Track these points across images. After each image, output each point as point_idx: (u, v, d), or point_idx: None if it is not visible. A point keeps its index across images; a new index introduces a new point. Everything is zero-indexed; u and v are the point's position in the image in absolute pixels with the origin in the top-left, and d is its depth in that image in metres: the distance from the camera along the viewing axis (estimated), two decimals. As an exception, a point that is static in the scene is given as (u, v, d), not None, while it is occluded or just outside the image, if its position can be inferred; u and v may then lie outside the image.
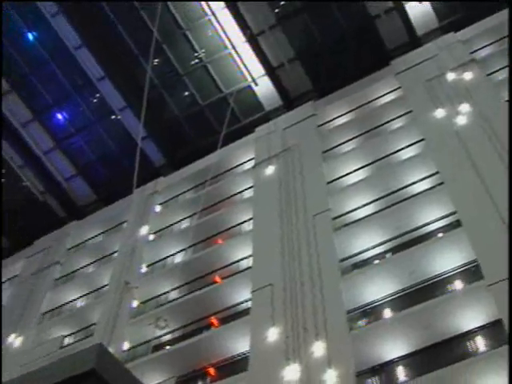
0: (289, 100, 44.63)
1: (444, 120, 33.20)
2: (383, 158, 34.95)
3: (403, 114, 36.83)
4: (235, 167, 43.22)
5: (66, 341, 38.47)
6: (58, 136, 49.71)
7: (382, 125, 37.35)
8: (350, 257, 30.60)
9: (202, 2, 42.39)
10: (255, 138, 42.92)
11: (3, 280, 48.76)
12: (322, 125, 40.37)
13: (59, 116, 49.59)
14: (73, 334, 39.18)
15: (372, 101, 39.83)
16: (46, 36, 46.26)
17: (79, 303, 41.88)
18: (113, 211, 47.39)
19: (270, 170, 38.69)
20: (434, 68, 37.15)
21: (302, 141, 39.12)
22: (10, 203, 53.12)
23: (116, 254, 42.87)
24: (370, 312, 28.08)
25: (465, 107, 32.67)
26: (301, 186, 35.32)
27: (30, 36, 46.65)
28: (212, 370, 30.44)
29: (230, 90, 45.04)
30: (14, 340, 39.87)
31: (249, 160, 42.46)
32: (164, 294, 36.52)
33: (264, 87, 44.61)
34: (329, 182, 35.05)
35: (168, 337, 34.11)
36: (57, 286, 43.79)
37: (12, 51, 46.56)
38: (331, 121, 40.54)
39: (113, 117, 48.41)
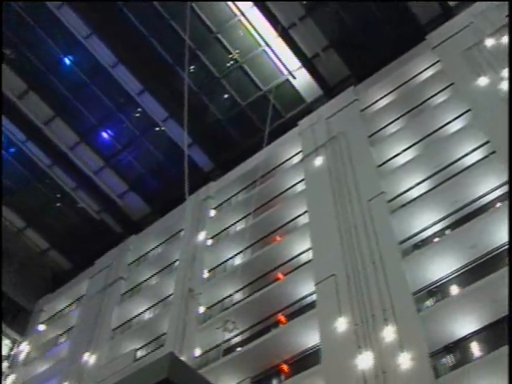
0: (328, 89, 44.35)
1: (488, 87, 32.51)
2: (431, 134, 34.42)
3: (445, 88, 36.17)
4: (283, 163, 43.12)
5: (139, 353, 39.01)
6: (105, 154, 50.40)
7: (426, 101, 36.78)
8: (410, 238, 30.30)
9: (230, 3, 42.40)
10: (300, 131, 42.78)
11: (71, 301, 49.85)
12: (365, 109, 39.98)
13: (104, 135, 50.24)
14: (144, 346, 39.71)
15: (412, 78, 39.21)
16: (81, 58, 46.90)
17: (147, 315, 42.39)
18: (168, 221, 47.85)
19: (318, 161, 38.53)
20: (471, 36, 36.38)
21: (346, 128, 38.85)
22: (68, 226, 54.23)
23: (177, 263, 43.30)
24: (436, 291, 27.74)
25: (508, 72, 31.88)
26: (351, 173, 35.09)
27: (67, 60, 47.36)
28: (285, 367, 30.46)
29: (268, 87, 45.00)
30: (89, 358, 40.63)
31: (296, 154, 42.33)
32: (228, 296, 36.75)
33: (302, 79, 44.44)
34: (379, 166, 34.72)
35: (237, 339, 34.29)
36: (123, 300, 44.42)
37: (51, 77, 47.39)
38: (373, 104, 40.11)
39: (157, 128, 48.84)
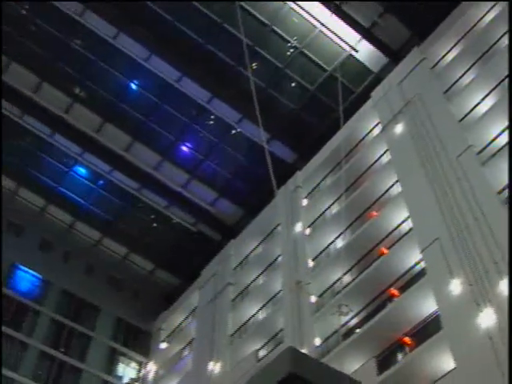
0: (393, 54, 43.44)
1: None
2: (507, 76, 33.08)
3: (513, 25, 34.76)
4: (364, 137, 42.52)
5: (261, 353, 39.31)
6: (189, 167, 51.10)
7: (495, 44, 35.37)
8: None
9: (277, -7, 42.23)
10: (374, 102, 42.09)
11: (186, 315, 50.80)
12: (435, 66, 38.86)
13: (184, 148, 50.95)
14: (264, 345, 40.02)
15: (476, 23, 37.79)
16: (146, 80, 47.78)
17: (261, 315, 42.69)
18: (263, 219, 48.04)
19: (398, 128, 37.82)
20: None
21: (420, 89, 37.91)
22: (169, 243, 55.32)
23: (280, 258, 43.43)
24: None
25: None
26: (434, 133, 34.24)
27: (133, 85, 48.38)
28: (407, 340, 30.02)
29: (333, 66, 44.56)
30: (214, 366, 41.29)
31: (375, 126, 41.68)
32: (337, 281, 36.57)
33: (365, 51, 43.79)
34: (461, 120, 33.72)
35: (354, 321, 34.06)
36: (235, 305, 44.91)
37: (122, 105, 48.50)
38: (442, 59, 38.92)
39: (233, 131, 49.10)
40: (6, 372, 44.05)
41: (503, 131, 31.07)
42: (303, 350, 31.52)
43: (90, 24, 44.86)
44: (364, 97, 43.66)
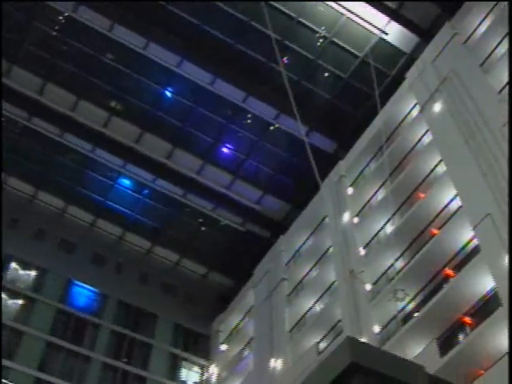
0: (424, 33, 42.82)
1: None
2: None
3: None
4: (404, 120, 42.04)
5: (321, 346, 39.22)
6: (231, 168, 51.28)
7: (528, 10, 34.65)
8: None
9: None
10: (409, 83, 41.55)
11: (243, 315, 50.96)
12: (467, 40, 38.12)
13: (225, 150, 51.14)
14: (324, 337, 39.92)
15: (507, -9, 37.08)
16: (180, 86, 48.10)
17: (318, 307, 42.59)
18: (310, 212, 47.91)
19: (437, 107, 37.31)
20: None
21: (455, 65, 37.33)
22: (219, 245, 55.61)
23: (331, 250, 43.26)
24: None
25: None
26: (474, 108, 33.69)
27: (168, 93, 48.69)
28: (467, 319, 29.61)
29: (364, 52, 44.17)
30: (275, 363, 41.34)
31: (413, 107, 41.18)
32: (390, 267, 36.29)
33: (395, 33, 43.31)
34: (500, 91, 33.06)
35: (411, 305, 33.72)
36: (291, 300, 44.89)
37: (159, 113, 48.90)
38: (474, 32, 38.21)
39: (271, 128, 49.10)
40: (72, 387, 45.08)
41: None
42: (363, 339, 31.39)
43: (119, 37, 45.30)
44: (399, 79, 43.20)
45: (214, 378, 50.28)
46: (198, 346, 53.49)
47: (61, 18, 45.44)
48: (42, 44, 46.61)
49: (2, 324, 42.90)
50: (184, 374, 51.20)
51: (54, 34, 46.33)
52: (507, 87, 32.33)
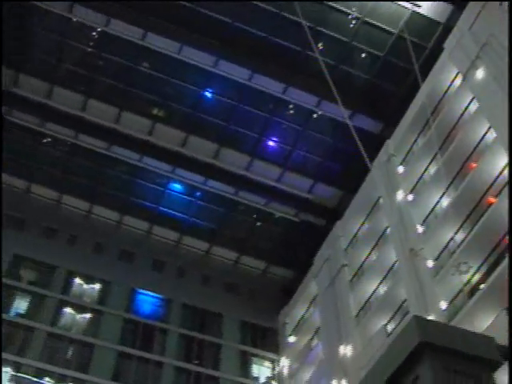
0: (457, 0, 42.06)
1: None
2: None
3: None
4: (447, 90, 41.30)
5: (389, 328, 38.91)
6: (279, 160, 51.29)
7: None
8: None
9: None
10: (449, 53, 40.80)
11: (307, 305, 50.95)
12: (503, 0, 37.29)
13: (271, 143, 51.19)
14: (391, 319, 39.58)
15: None
16: (219, 86, 48.31)
17: (381, 290, 42.24)
18: (363, 195, 47.52)
19: (479, 73, 36.51)
20: None
21: (493, 29, 36.41)
22: (276, 238, 55.66)
23: (388, 230, 42.87)
24: None
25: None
26: (518, 70, 32.89)
27: (208, 94, 48.91)
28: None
29: (399, 27, 43.52)
30: (345, 350, 41.18)
31: (455, 77, 40.43)
32: (450, 240, 35.77)
33: (428, 4, 42.51)
34: (543, 49, 32.22)
35: (476, 277, 33.17)
36: (353, 285, 44.65)
37: (201, 115, 49.22)
38: (511, -9, 37.34)
39: (314, 115, 48.89)
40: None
41: None
42: (430, 317, 31.00)
43: (152, 45, 45.72)
44: (437, 50, 42.42)
45: (285, 371, 50.33)
46: (267, 340, 53.62)
47: (94, 33, 46.18)
48: (78, 62, 47.43)
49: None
50: (256, 370, 51.38)
51: (89, 50, 47.03)
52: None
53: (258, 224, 55.52)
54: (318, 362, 46.53)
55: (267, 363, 52.27)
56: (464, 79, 38.33)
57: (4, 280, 47.39)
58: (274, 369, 51.81)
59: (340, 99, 34.76)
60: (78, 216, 55.15)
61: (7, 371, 42.83)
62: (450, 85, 41.03)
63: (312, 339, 49.43)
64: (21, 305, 48.23)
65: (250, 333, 53.41)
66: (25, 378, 42.93)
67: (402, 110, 44.81)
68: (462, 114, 38.88)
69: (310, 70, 44.89)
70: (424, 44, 44.09)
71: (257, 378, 50.85)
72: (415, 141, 43.50)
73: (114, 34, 45.55)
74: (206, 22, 44.55)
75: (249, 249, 56.65)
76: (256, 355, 52.12)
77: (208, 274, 56.05)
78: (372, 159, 43.80)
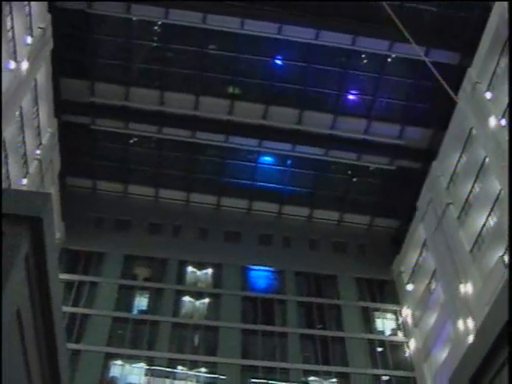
0: None
1: None
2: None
3: None
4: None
5: (506, 259, 37.86)
6: (363, 112, 50.75)
7: None
8: None
9: None
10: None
11: (419, 251, 50.22)
12: None
13: (351, 97, 50.77)
14: (507, 249, 38.49)
15: None
16: (287, 51, 48.17)
17: (491, 221, 41.08)
18: (455, 130, 45.97)
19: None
20: None
21: None
22: (374, 191, 55.16)
23: (487, 160, 41.52)
24: None
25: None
26: None
27: (278, 62, 48.88)
28: None
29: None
30: (465, 288, 40.39)
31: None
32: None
33: None
34: None
35: None
36: (462, 222, 43.60)
37: (277, 84, 49.31)
38: None
39: (389, 60, 47.99)
40: (285, 364, 46.35)
41: None
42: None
43: (215, 26, 45.84)
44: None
45: (409, 320, 49.91)
46: (385, 293, 53.29)
47: (156, 27, 46.75)
48: (147, 58, 48.17)
49: None
50: (379, 324, 51.19)
51: (155, 45, 47.70)
52: None
53: (355, 180, 55.08)
54: (439, 305, 45.85)
55: (389, 315, 51.92)
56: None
57: (121, 281, 49.63)
58: (397, 319, 51.43)
59: (412, 38, 33.99)
60: (177, 207, 56.29)
61: (141, 366, 44.73)
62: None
63: (430, 283, 48.71)
64: (142, 302, 50.03)
65: (366, 288, 53.18)
66: (159, 370, 44.64)
67: (476, 35, 43.08)
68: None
69: (374, 15, 43.84)
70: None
71: (382, 332, 50.71)
72: (497, 63, 41.81)
73: (176, 24, 45.95)
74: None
75: (350, 206, 56.30)
76: (377, 309, 51.87)
77: (314, 238, 56.06)
78: (456, 91, 42.46)
